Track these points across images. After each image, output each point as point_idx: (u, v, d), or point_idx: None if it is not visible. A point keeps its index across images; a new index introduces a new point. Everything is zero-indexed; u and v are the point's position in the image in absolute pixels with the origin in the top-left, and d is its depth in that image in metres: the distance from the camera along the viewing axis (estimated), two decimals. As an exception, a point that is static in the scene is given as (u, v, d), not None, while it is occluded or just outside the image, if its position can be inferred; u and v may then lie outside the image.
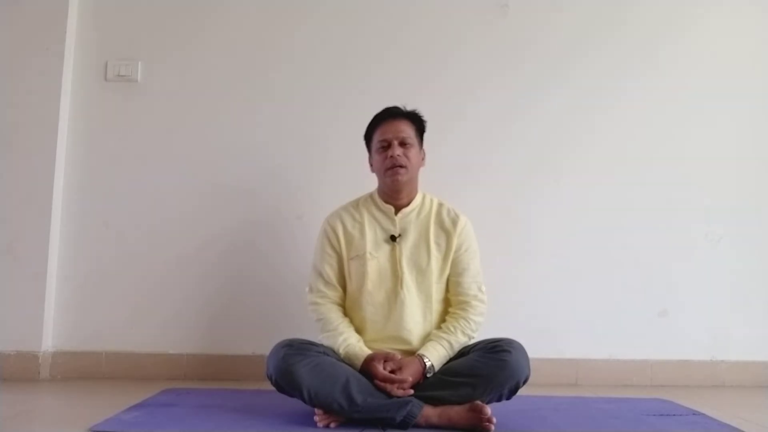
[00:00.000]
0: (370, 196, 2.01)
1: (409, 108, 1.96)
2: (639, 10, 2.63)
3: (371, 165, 2.00)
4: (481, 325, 1.90)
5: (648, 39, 2.61)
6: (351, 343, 1.81)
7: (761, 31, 2.68)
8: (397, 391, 1.69)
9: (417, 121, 1.96)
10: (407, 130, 1.92)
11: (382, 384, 1.70)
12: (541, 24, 2.60)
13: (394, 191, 1.93)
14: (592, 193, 2.55)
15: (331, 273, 1.93)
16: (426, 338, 1.86)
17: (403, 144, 1.90)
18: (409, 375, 1.72)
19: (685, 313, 2.54)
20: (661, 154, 2.59)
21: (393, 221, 1.94)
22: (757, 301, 2.57)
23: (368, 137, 1.98)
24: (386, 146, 1.90)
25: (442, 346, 1.82)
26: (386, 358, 1.75)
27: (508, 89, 2.56)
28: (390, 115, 1.93)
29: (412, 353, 1.81)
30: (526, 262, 2.51)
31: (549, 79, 2.57)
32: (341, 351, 1.81)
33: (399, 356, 1.77)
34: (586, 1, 2.62)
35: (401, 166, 1.88)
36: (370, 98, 2.47)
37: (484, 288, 1.94)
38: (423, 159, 1.99)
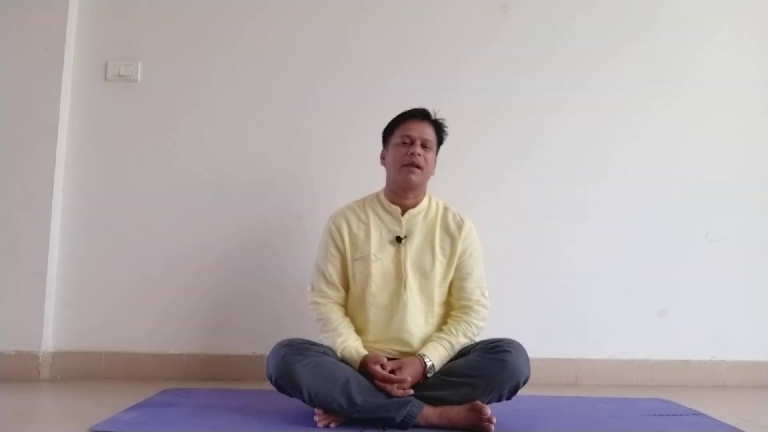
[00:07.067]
0: (376, 196, 2.00)
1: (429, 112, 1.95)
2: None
3: (382, 159, 1.99)
4: (482, 330, 1.90)
5: (653, 35, 2.62)
6: (348, 345, 1.81)
7: (759, 26, 2.68)
8: (397, 391, 1.69)
9: (439, 131, 1.97)
10: (431, 134, 1.93)
11: (382, 384, 1.70)
12: (546, 26, 2.60)
13: (403, 189, 1.93)
14: (592, 193, 2.55)
15: (333, 273, 1.93)
16: (427, 341, 1.85)
17: (424, 146, 1.90)
18: (408, 375, 1.72)
19: (685, 313, 2.54)
20: (661, 154, 2.59)
21: (399, 222, 1.93)
22: (757, 301, 2.58)
23: (389, 131, 1.97)
24: (408, 143, 1.90)
25: (443, 346, 1.82)
26: (382, 362, 1.75)
27: (510, 90, 2.55)
28: (419, 115, 1.94)
29: (412, 355, 1.81)
30: (526, 262, 2.51)
31: (560, 82, 2.57)
32: (339, 353, 1.81)
33: (389, 363, 1.76)
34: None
35: (418, 166, 1.88)
36: (368, 98, 2.50)
37: (487, 293, 1.94)
38: (434, 168, 1.99)
